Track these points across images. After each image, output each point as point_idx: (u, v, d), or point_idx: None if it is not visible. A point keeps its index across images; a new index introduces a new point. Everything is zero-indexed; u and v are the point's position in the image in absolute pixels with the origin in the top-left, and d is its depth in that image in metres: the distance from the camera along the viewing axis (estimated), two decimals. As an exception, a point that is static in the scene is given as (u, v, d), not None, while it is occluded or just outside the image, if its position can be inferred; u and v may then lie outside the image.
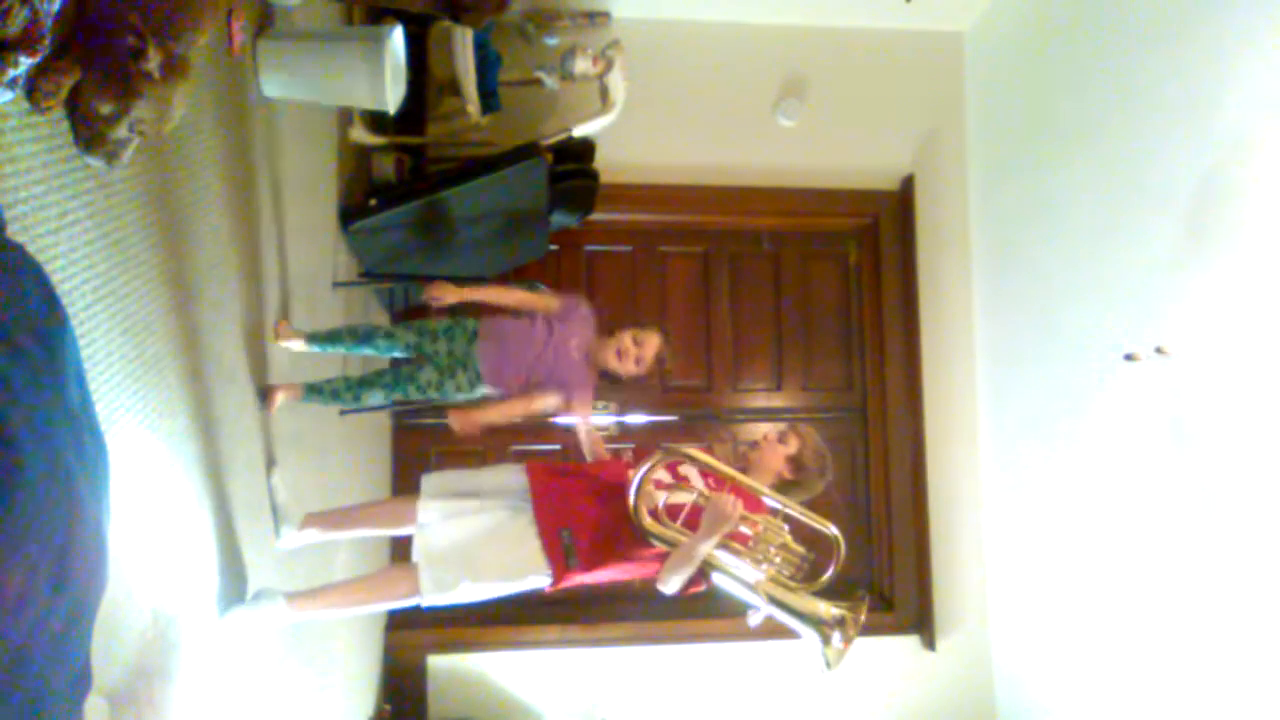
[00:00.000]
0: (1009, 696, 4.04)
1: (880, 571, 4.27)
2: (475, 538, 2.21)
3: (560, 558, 2.17)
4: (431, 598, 2.16)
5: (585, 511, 2.23)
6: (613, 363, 2.55)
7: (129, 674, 1.52)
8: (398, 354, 2.74)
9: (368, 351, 2.72)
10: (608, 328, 2.62)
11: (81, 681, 1.05)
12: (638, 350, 2.54)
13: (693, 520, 2.13)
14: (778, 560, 2.09)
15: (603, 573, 2.22)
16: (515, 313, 2.67)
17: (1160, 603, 3.04)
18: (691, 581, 2.12)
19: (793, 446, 2.32)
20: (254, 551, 2.18)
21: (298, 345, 2.57)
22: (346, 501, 3.01)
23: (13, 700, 0.90)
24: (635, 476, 2.13)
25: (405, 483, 4.12)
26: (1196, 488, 2.85)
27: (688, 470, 2.26)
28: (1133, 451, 3.13)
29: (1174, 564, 2.96)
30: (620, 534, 2.18)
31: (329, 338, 2.65)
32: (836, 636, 1.97)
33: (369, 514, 2.60)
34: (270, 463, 2.36)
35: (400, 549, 3.83)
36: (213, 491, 1.93)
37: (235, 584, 2.07)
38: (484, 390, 2.67)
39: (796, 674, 4.02)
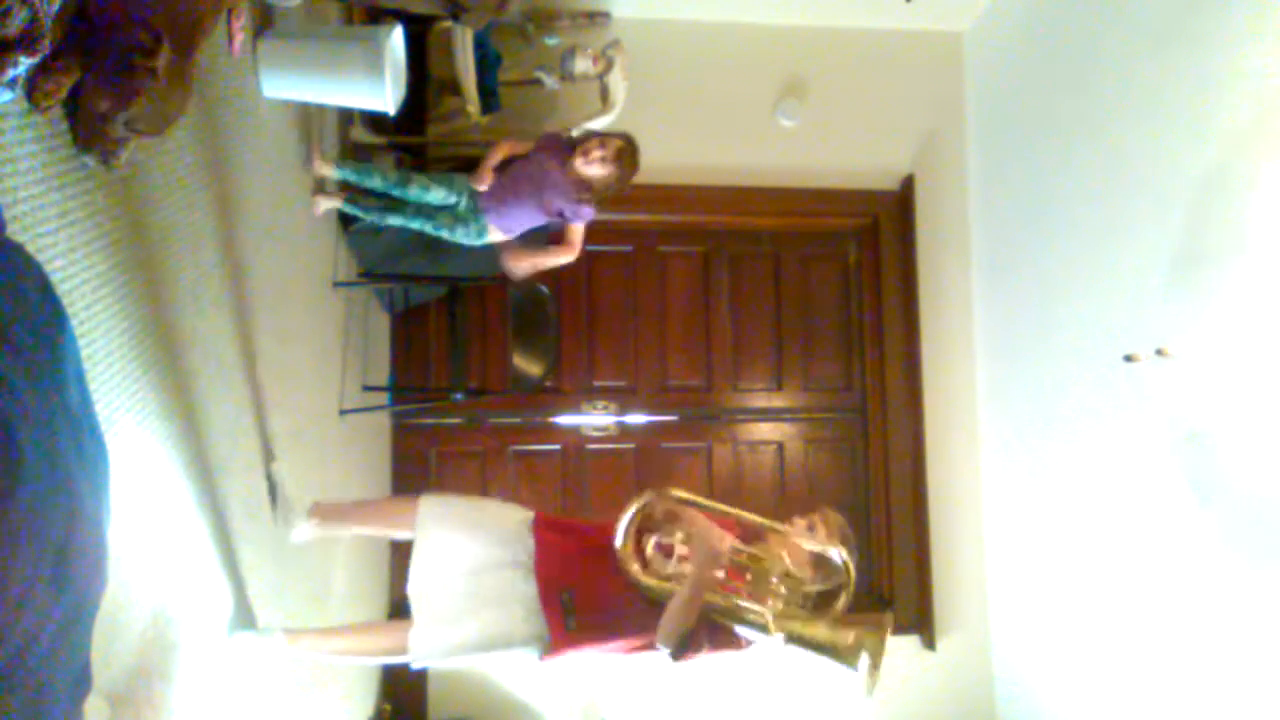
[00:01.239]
0: (1009, 696, 4.04)
1: (880, 571, 4.27)
2: (471, 603, 2.15)
3: (559, 620, 2.10)
4: (420, 661, 2.13)
5: (589, 576, 2.16)
6: (583, 168, 2.95)
7: (129, 674, 1.52)
8: (431, 199, 3.07)
9: (396, 192, 3.04)
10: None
11: (81, 681, 1.05)
12: (601, 151, 2.94)
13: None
14: (783, 590, 1.98)
15: (602, 647, 2.13)
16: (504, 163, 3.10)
17: (1160, 603, 3.04)
18: (692, 640, 1.97)
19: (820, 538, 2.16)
20: (253, 552, 2.18)
21: (328, 170, 2.90)
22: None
23: (13, 701, 0.90)
24: (621, 522, 2.04)
25: (405, 483, 4.12)
26: (1196, 488, 2.85)
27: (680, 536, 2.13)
28: (1132, 452, 3.13)
29: (1173, 565, 2.96)
30: (626, 603, 2.09)
31: (360, 170, 3.00)
32: (864, 662, 1.84)
33: (368, 512, 2.59)
34: (269, 459, 2.36)
35: (399, 563, 3.83)
36: (211, 491, 1.93)
37: (235, 585, 2.07)
38: (489, 236, 3.09)
39: (796, 673, 4.02)
